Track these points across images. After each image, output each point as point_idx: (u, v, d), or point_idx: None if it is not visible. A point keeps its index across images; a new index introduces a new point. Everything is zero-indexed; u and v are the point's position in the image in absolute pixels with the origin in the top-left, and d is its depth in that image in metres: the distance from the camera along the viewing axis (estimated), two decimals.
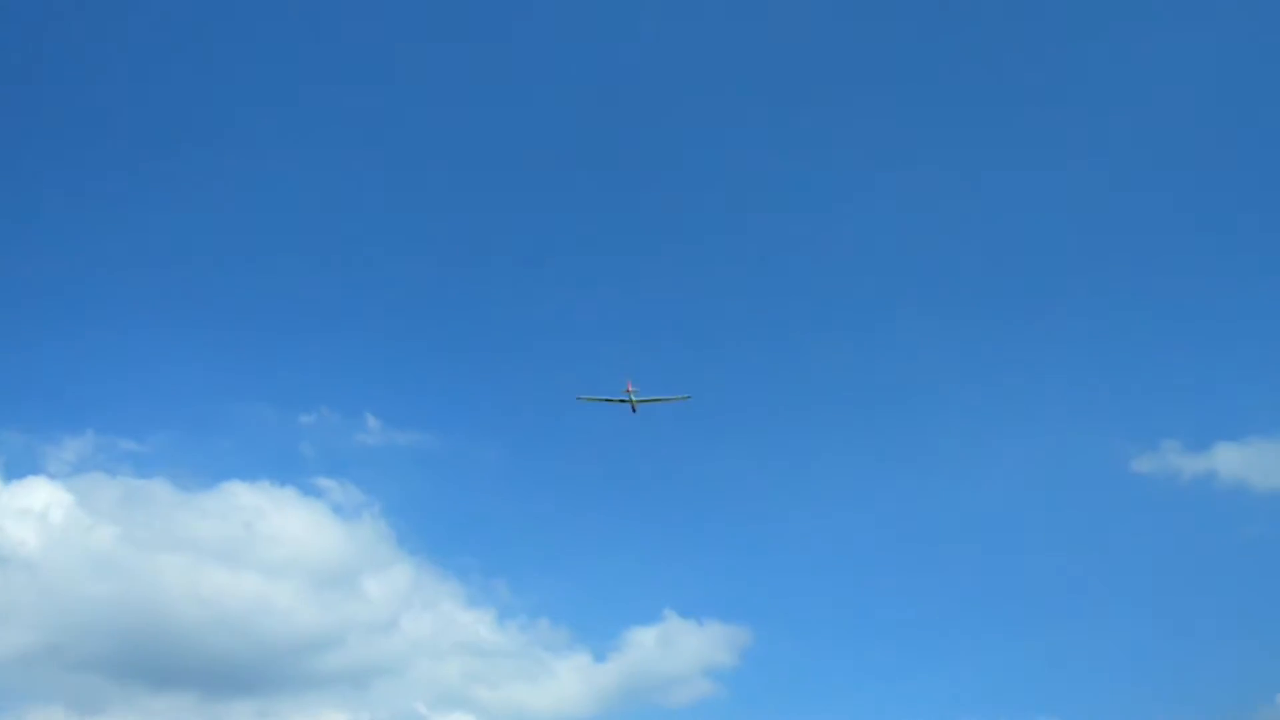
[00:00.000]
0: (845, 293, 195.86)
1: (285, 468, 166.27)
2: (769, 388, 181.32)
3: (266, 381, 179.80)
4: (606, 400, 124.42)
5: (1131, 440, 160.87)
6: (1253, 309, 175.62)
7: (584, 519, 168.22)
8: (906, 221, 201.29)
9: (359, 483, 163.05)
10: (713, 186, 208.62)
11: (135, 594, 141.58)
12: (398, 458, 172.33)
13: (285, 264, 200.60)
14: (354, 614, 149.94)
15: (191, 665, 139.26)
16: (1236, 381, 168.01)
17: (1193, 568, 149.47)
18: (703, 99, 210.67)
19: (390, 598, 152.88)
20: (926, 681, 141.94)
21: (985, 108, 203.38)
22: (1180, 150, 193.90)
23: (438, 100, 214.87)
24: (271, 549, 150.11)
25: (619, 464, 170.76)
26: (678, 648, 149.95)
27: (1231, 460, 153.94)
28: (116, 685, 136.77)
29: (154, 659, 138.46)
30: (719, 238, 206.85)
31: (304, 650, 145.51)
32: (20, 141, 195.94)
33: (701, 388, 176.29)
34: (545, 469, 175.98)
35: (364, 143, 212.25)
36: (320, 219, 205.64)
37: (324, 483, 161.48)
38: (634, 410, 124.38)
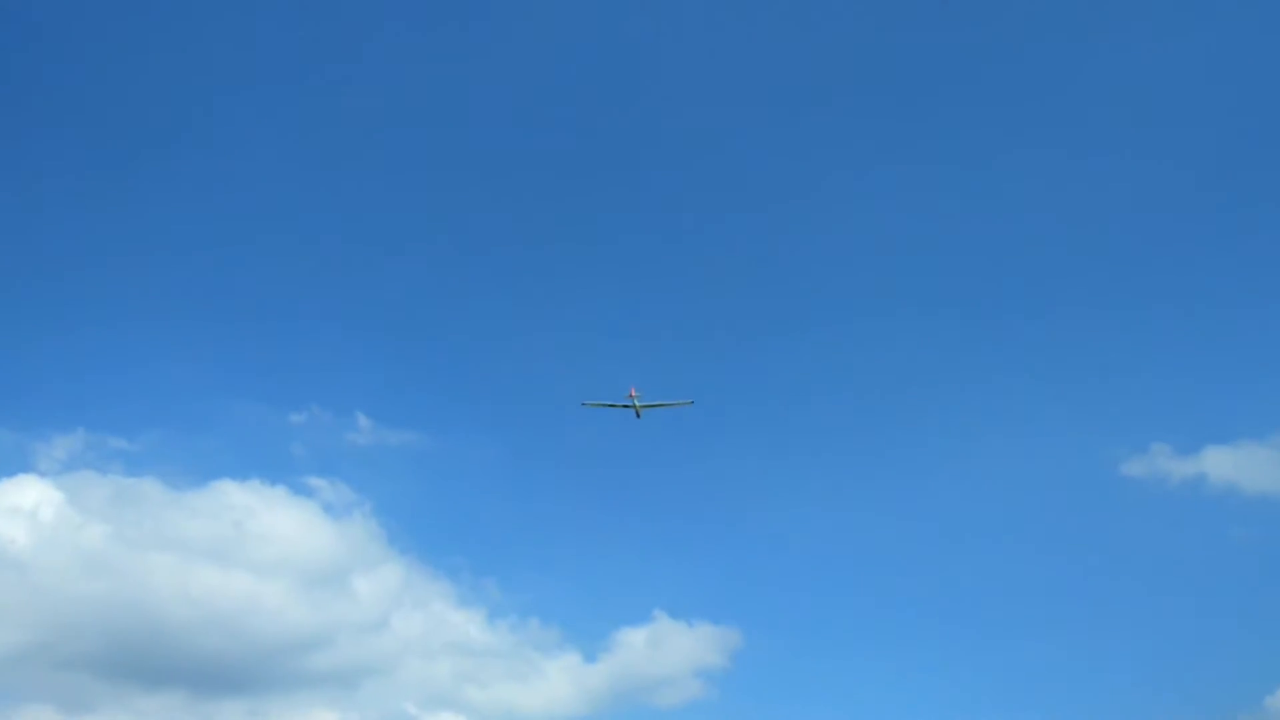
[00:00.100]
0: (836, 294, 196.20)
1: (276, 467, 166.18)
2: (760, 389, 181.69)
3: (257, 380, 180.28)
4: (611, 405, 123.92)
5: (1121, 443, 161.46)
6: (1243, 313, 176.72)
7: (575, 519, 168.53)
8: (900, 222, 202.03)
9: (350, 482, 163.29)
10: (708, 185, 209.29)
11: (125, 593, 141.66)
12: (389, 457, 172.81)
13: (277, 262, 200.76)
14: (344, 613, 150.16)
15: (181, 664, 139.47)
16: (1226, 385, 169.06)
17: (1182, 571, 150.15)
18: (707, 100, 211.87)
19: (381, 597, 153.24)
20: (916, 683, 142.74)
21: (982, 108, 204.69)
22: (1174, 155, 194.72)
23: (435, 97, 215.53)
24: (262, 548, 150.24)
25: (610, 465, 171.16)
26: (668, 649, 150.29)
27: (1221, 464, 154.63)
28: (106, 684, 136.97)
29: (144, 658, 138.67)
30: (712, 236, 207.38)
31: (294, 649, 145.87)
32: (9, 138, 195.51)
33: (693, 389, 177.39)
34: (537, 469, 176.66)
35: (357, 139, 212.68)
36: (312, 217, 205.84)
37: (315, 482, 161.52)
38: (638, 415, 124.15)
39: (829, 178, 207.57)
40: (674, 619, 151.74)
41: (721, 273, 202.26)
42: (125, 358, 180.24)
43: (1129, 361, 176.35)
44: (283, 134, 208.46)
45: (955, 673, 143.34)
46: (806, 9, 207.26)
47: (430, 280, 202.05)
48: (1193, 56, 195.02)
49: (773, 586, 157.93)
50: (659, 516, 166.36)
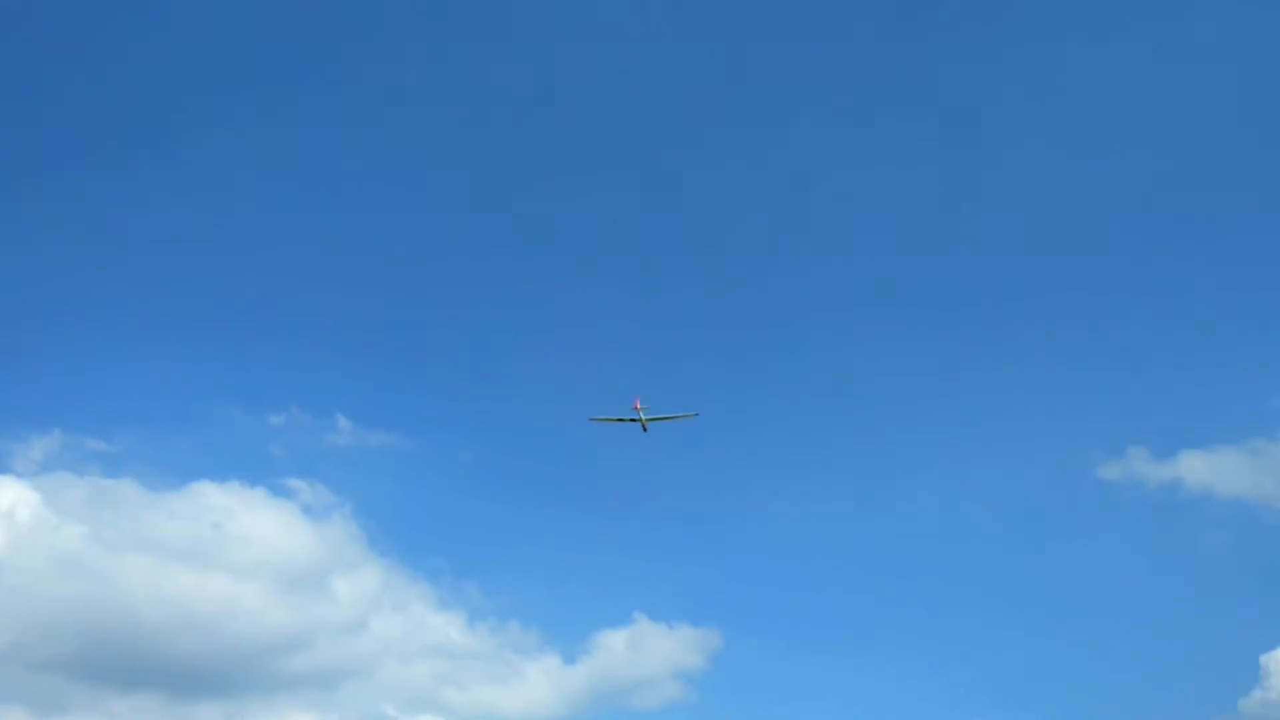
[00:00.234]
0: (814, 296, 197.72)
1: (255, 468, 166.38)
2: (738, 393, 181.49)
3: (236, 381, 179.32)
4: (618, 420, 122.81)
5: (1099, 447, 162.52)
6: (1218, 320, 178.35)
7: (556, 522, 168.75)
8: (879, 225, 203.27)
9: (329, 484, 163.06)
10: (669, 186, 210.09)
11: (102, 594, 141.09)
12: (368, 459, 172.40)
13: (256, 263, 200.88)
14: (323, 615, 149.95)
15: (158, 666, 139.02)
16: (1202, 391, 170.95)
17: (1158, 573, 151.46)
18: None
19: (360, 599, 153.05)
20: (894, 684, 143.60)
21: (964, 112, 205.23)
22: (1152, 158, 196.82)
23: (423, 96, 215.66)
24: (240, 550, 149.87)
25: (591, 468, 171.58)
26: (648, 651, 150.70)
27: (1197, 468, 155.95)
28: (82, 686, 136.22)
29: (120, 660, 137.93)
30: (690, 240, 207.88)
31: (272, 652, 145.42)
32: None
33: (670, 390, 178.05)
34: (516, 471, 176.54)
35: (339, 137, 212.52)
36: (293, 217, 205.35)
37: (294, 483, 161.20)
38: (644, 429, 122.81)
39: (803, 177, 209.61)
40: (654, 621, 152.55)
41: (693, 272, 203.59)
42: (103, 358, 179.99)
43: (1107, 367, 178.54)
44: (263, 133, 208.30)
45: (932, 673, 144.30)
46: (799, 11, 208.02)
47: (410, 282, 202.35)
48: (1168, 58, 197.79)
49: (752, 589, 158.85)
50: (640, 519, 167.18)
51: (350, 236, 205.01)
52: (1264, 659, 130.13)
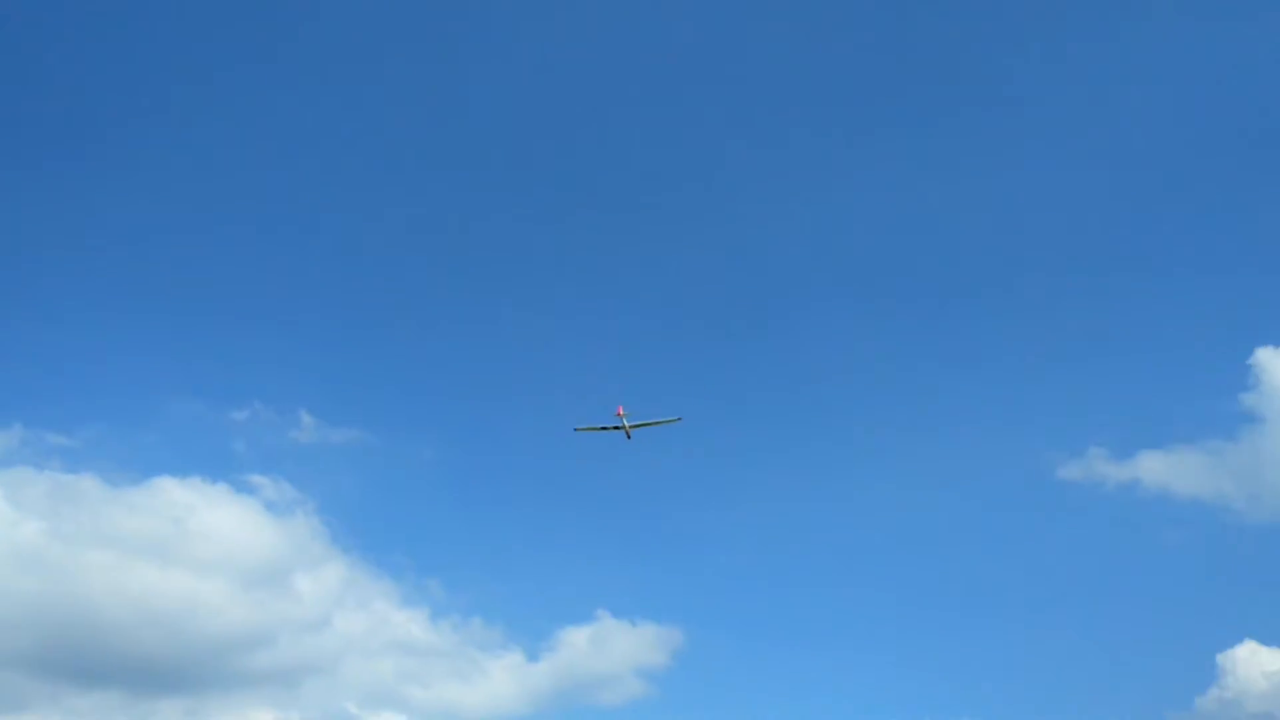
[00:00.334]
0: (775, 297, 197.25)
1: (217, 464, 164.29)
2: (698, 391, 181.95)
3: (199, 377, 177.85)
4: (602, 429, 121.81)
5: (1058, 447, 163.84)
6: (1180, 320, 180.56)
7: (518, 519, 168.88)
8: (840, 226, 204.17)
9: (292, 480, 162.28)
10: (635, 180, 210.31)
11: (61, 590, 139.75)
12: (332, 455, 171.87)
13: (219, 256, 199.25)
14: (285, 612, 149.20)
15: (118, 663, 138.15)
16: (1160, 392, 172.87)
17: (1116, 572, 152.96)
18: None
19: (322, 596, 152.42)
20: (853, 682, 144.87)
21: (934, 110, 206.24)
22: (1112, 160, 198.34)
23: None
24: (202, 546, 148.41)
25: (554, 466, 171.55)
26: (611, 648, 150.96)
27: (1155, 468, 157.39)
28: (40, 683, 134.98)
29: (80, 657, 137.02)
30: (656, 238, 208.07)
31: (234, 649, 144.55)
32: None
33: (636, 393, 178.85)
34: (480, 469, 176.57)
35: (303, 129, 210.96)
36: (258, 211, 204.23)
37: (257, 480, 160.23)
38: (628, 437, 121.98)
39: (767, 176, 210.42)
40: (617, 618, 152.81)
41: (660, 271, 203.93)
42: (64, 353, 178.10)
43: (1068, 368, 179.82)
44: (230, 123, 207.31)
45: (891, 669, 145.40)
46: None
47: (375, 278, 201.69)
48: (1132, 61, 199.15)
49: (714, 587, 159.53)
50: (602, 516, 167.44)
51: (315, 232, 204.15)
52: (1220, 657, 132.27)
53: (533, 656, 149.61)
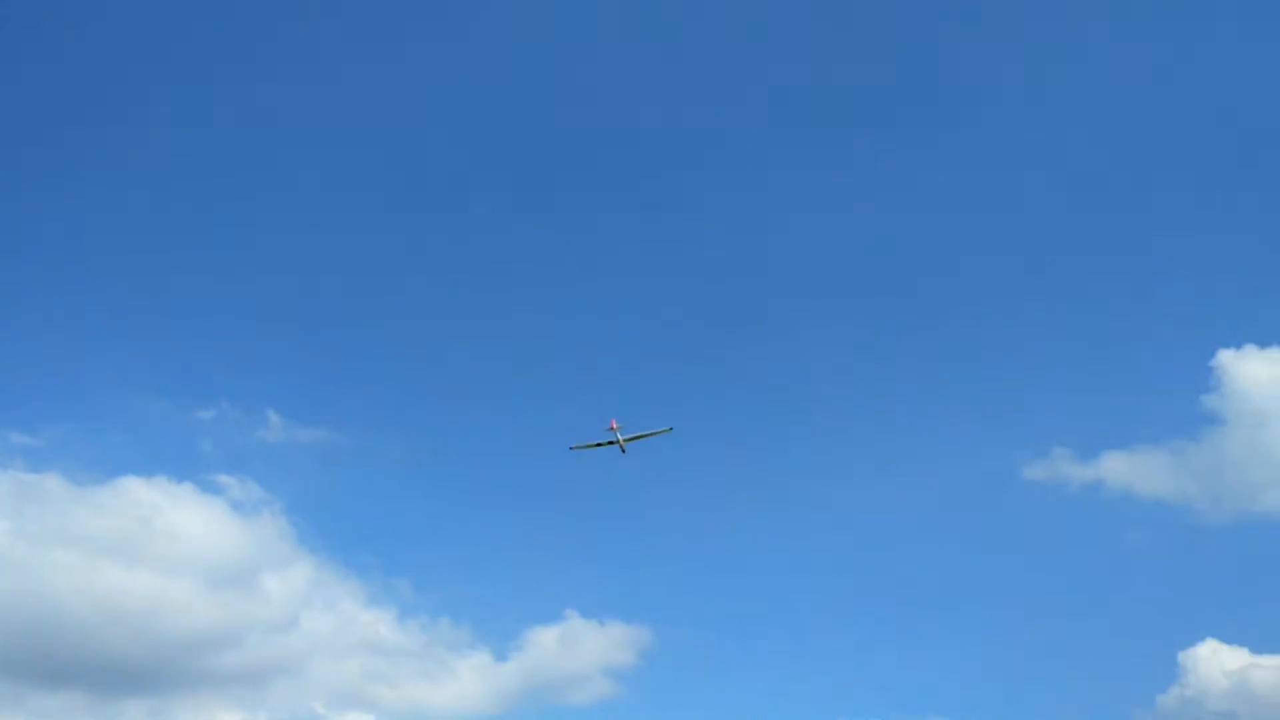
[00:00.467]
0: (741, 300, 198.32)
1: (183, 464, 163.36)
2: (667, 392, 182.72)
3: (165, 376, 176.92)
4: (597, 445, 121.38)
5: (1024, 447, 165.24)
6: (1143, 322, 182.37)
7: (487, 519, 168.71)
8: (804, 226, 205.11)
9: (259, 480, 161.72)
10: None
11: (26, 590, 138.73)
12: (299, 455, 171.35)
13: (185, 253, 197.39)
14: (252, 613, 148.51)
15: (83, 663, 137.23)
16: (1124, 393, 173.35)
17: (1080, 571, 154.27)
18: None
19: (290, 596, 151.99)
20: (820, 681, 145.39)
21: (903, 118, 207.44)
22: (1078, 161, 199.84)
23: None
24: (168, 546, 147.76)
25: (523, 466, 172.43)
26: (579, 647, 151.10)
27: (1118, 468, 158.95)
28: (4, 683, 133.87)
29: (44, 657, 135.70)
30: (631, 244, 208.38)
31: (200, 649, 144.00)
32: None
33: (606, 390, 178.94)
34: (448, 469, 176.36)
35: (276, 125, 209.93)
36: (224, 208, 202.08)
37: (223, 479, 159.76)
38: (622, 450, 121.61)
39: (737, 177, 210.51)
40: (585, 618, 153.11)
41: (631, 271, 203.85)
42: (29, 351, 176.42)
43: (1032, 368, 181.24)
44: (196, 119, 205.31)
45: (856, 671, 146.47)
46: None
47: (343, 276, 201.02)
48: (1098, 62, 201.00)
49: (682, 586, 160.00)
50: (571, 516, 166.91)
51: (284, 229, 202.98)
52: (1182, 656, 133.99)
53: (501, 656, 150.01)
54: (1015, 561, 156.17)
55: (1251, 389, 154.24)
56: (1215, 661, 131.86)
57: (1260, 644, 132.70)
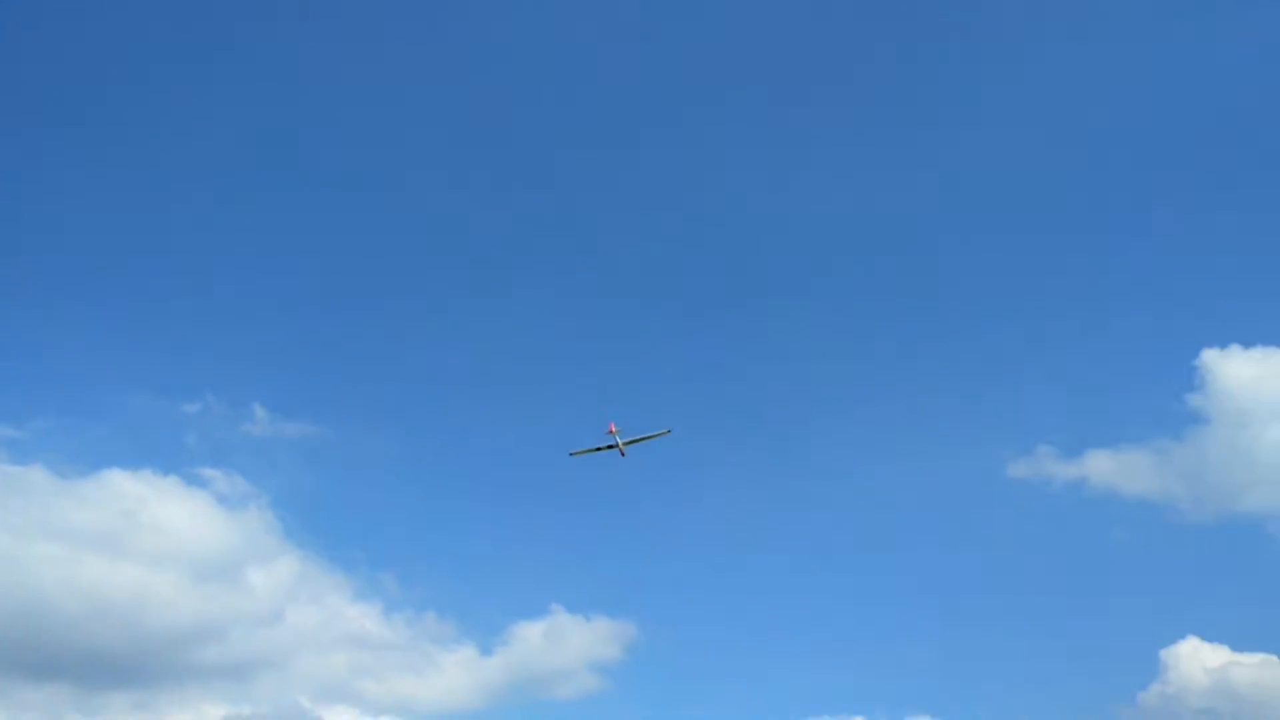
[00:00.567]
0: (725, 294, 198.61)
1: (168, 457, 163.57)
2: (652, 386, 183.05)
3: (150, 368, 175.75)
4: (597, 450, 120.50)
5: (1008, 445, 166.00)
6: (1128, 321, 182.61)
7: (473, 513, 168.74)
8: (791, 222, 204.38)
9: (245, 473, 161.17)
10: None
11: (10, 583, 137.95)
12: (286, 448, 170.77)
13: (170, 245, 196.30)
14: (237, 606, 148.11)
15: (68, 656, 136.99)
16: (1109, 391, 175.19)
17: (1063, 569, 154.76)
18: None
19: (275, 590, 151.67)
20: (806, 679, 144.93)
21: (890, 110, 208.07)
22: (1060, 160, 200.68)
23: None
24: (153, 539, 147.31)
25: (509, 461, 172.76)
26: (564, 642, 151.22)
27: (1102, 467, 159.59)
28: None
29: (28, 650, 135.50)
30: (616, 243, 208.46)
31: (185, 642, 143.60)
32: None
33: (592, 385, 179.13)
34: (434, 463, 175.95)
35: (262, 120, 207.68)
36: (210, 200, 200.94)
37: (208, 473, 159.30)
38: (622, 454, 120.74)
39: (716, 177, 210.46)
40: (571, 613, 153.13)
41: (618, 264, 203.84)
42: (12, 342, 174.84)
43: (1017, 367, 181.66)
44: (183, 111, 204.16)
45: (840, 666, 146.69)
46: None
47: (330, 270, 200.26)
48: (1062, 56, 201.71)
49: (667, 581, 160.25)
50: (557, 510, 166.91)
51: (271, 222, 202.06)
52: (1163, 653, 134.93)
53: (486, 651, 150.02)
54: (998, 559, 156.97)
55: (1235, 389, 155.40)
56: (1196, 659, 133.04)
57: (1241, 642, 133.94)
